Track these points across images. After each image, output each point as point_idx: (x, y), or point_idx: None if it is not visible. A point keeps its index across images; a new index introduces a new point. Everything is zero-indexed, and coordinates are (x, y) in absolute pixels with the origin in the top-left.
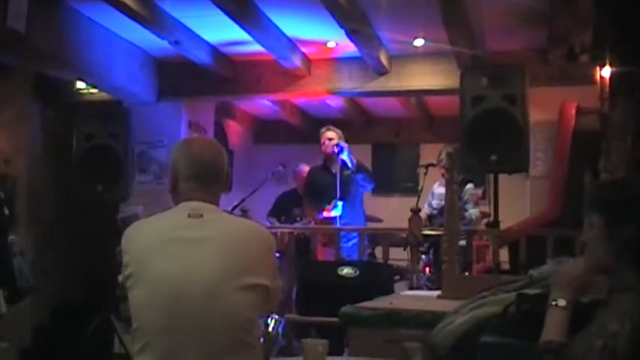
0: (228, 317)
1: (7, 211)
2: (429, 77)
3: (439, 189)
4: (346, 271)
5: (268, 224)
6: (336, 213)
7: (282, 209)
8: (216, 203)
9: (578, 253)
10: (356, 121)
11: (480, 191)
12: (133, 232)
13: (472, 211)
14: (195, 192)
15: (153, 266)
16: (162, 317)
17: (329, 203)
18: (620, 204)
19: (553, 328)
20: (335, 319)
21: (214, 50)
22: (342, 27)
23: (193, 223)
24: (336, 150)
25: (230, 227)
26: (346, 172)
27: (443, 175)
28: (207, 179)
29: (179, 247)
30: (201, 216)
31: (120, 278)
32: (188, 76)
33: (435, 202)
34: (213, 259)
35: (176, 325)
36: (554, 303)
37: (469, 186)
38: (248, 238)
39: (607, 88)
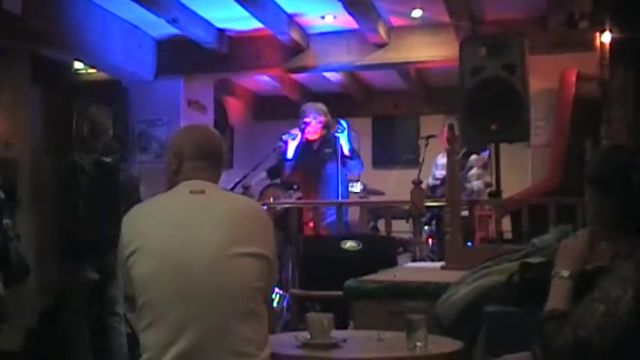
0: (233, 284)
1: (2, 195)
2: (427, 48)
3: (443, 159)
4: (349, 244)
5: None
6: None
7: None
8: (217, 183)
9: (580, 221)
10: (355, 95)
11: (485, 155)
12: (135, 213)
13: (475, 183)
14: (201, 171)
15: (157, 240)
16: (170, 289)
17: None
18: (604, 177)
19: (557, 298)
20: (339, 293)
21: (212, 27)
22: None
23: (196, 198)
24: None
25: (231, 202)
26: (327, 151)
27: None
28: (214, 161)
29: (182, 221)
30: (203, 192)
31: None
32: (186, 54)
33: (438, 173)
34: (216, 230)
35: (184, 296)
36: (558, 274)
37: (473, 157)
38: (248, 213)
39: (607, 55)
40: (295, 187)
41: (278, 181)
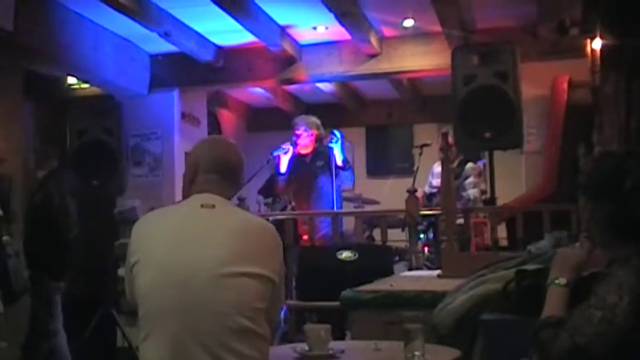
0: (233, 302)
1: (0, 212)
2: (420, 58)
3: (439, 168)
4: (345, 254)
5: (256, 203)
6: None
7: (272, 189)
8: (229, 199)
9: (574, 228)
10: (349, 105)
11: (481, 164)
12: (144, 221)
13: (471, 192)
14: (214, 184)
15: (162, 252)
16: (170, 301)
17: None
18: (597, 184)
19: (553, 305)
20: (336, 303)
21: (204, 40)
22: (331, 11)
23: (205, 212)
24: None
25: (240, 219)
26: (319, 163)
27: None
28: (229, 176)
29: (188, 235)
30: (214, 207)
31: (120, 272)
32: (179, 67)
33: (434, 181)
34: (222, 246)
35: (184, 310)
36: (554, 282)
37: (469, 165)
38: (257, 232)
39: (598, 61)
40: (270, 200)
41: (270, 200)
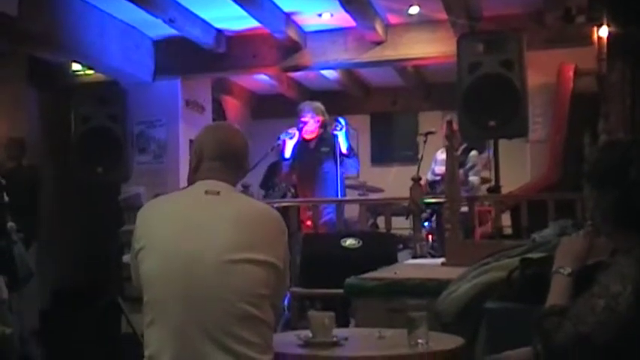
0: (237, 288)
1: (6, 198)
2: (425, 45)
3: (442, 155)
4: (349, 242)
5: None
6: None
7: (271, 179)
8: (234, 186)
9: (579, 216)
10: (353, 92)
11: (485, 156)
12: (149, 207)
13: (472, 178)
14: (218, 172)
15: (167, 238)
16: (174, 288)
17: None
18: (601, 173)
19: (557, 294)
20: (340, 291)
21: (209, 27)
22: None
23: (210, 199)
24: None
25: (245, 206)
26: (324, 149)
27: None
28: (233, 163)
29: (192, 221)
30: (218, 193)
31: (125, 258)
32: (184, 54)
33: (437, 168)
34: (226, 233)
35: (188, 296)
36: (559, 270)
37: (473, 153)
38: (262, 219)
39: (604, 49)
40: (271, 190)
41: (271, 191)
